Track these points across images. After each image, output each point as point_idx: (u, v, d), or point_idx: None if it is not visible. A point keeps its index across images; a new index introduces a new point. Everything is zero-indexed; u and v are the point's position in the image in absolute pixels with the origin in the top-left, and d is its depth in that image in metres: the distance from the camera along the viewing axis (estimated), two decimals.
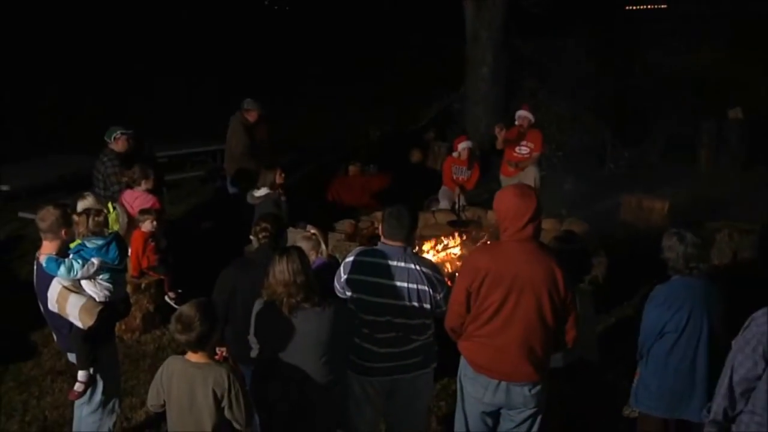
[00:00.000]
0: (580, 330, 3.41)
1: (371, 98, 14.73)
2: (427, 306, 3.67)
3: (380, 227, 3.84)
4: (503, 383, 3.41)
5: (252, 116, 7.89)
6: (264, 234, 4.20)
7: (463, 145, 8.25)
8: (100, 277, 3.90)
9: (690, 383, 3.62)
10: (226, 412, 3.21)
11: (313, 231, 4.87)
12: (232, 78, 14.66)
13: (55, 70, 14.69)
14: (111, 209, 5.73)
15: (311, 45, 17.05)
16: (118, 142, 6.70)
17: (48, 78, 14.62)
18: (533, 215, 3.28)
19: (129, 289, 5.57)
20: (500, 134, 7.93)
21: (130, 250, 5.75)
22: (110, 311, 3.93)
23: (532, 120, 8.08)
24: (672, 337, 3.59)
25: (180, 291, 6.04)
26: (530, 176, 7.84)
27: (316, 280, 3.53)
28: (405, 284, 3.63)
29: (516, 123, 8.11)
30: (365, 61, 16.53)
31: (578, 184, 9.48)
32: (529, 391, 3.42)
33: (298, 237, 4.75)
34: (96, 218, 3.93)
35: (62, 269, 3.75)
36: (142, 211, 5.95)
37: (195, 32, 16.73)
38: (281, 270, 3.41)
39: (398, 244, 3.70)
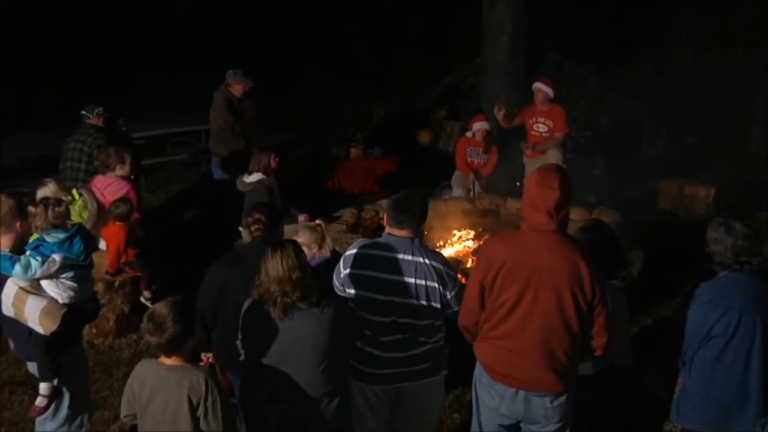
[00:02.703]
0: (612, 333, 3.35)
1: (375, 76, 14.67)
2: (436, 305, 3.64)
3: (385, 216, 3.82)
4: (521, 393, 3.37)
5: (237, 90, 7.78)
6: (257, 226, 4.19)
7: (478, 126, 8.19)
8: (63, 275, 3.85)
9: (741, 394, 3.58)
10: (201, 423, 3.16)
11: (317, 221, 4.81)
12: (223, 59, 14.63)
13: (29, 52, 14.80)
14: (77, 196, 5.68)
15: (310, 26, 17.09)
16: (99, 118, 7.03)
17: (22, 59, 14.69)
18: (556, 205, 3.22)
19: (101, 287, 5.55)
20: (499, 114, 7.96)
21: (106, 245, 5.74)
22: (76, 314, 3.89)
23: (550, 94, 7.90)
24: (720, 341, 3.54)
25: (155, 288, 6.00)
26: (552, 160, 7.74)
27: (315, 278, 3.49)
28: (412, 280, 3.61)
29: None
30: (371, 42, 16.51)
31: (609, 168, 9.42)
32: (551, 402, 3.38)
33: (299, 227, 4.68)
34: (56, 209, 3.87)
35: (18, 268, 3.70)
36: (116, 202, 5.88)
37: (190, 16, 16.91)
38: (274, 265, 3.38)
39: (405, 234, 3.69)
